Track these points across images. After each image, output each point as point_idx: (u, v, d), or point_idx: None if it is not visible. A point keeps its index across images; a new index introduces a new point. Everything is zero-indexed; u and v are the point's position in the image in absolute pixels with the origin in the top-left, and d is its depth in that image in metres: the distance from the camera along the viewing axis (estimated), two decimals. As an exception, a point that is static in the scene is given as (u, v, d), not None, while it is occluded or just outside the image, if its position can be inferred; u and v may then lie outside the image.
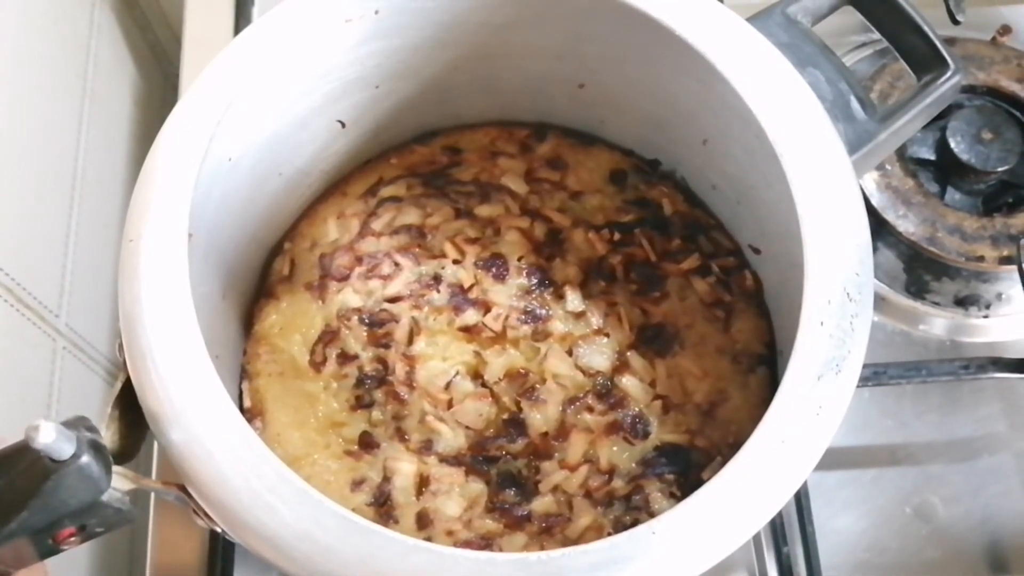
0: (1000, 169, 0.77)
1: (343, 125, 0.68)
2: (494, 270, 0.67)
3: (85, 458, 0.45)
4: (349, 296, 0.66)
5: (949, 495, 0.72)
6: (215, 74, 0.57)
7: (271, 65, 0.58)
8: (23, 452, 0.45)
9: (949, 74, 0.62)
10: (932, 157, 0.80)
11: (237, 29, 0.86)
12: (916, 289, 0.78)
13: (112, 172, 0.88)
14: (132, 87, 0.94)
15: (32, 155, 0.75)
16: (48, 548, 0.47)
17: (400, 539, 0.47)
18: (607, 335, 0.65)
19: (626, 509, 0.60)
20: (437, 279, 0.66)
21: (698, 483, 0.51)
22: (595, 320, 0.66)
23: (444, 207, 0.70)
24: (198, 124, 0.55)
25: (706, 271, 0.67)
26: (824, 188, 0.55)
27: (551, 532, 0.60)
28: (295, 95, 0.62)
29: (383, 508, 0.60)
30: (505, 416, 0.63)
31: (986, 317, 0.78)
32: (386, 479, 0.61)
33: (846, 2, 0.63)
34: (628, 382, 0.64)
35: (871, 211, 0.75)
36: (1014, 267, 0.74)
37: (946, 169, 0.79)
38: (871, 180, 0.78)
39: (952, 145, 0.77)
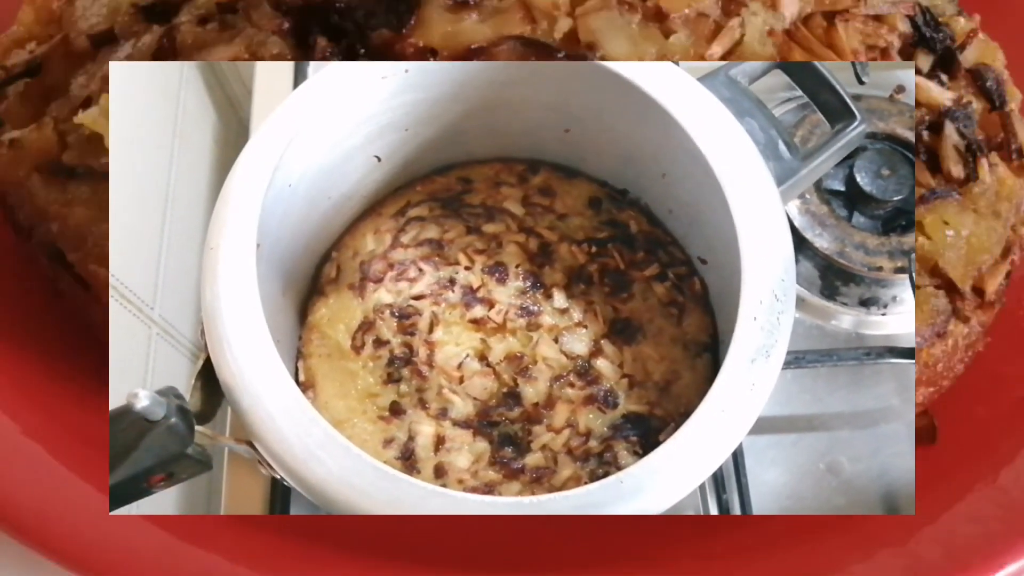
0: (896, 199, 0.77)
1: (379, 159, 0.68)
2: (497, 275, 0.67)
3: (174, 419, 0.46)
4: (383, 295, 0.66)
5: (854, 455, 0.72)
6: (278, 119, 0.57)
7: (322, 111, 0.58)
8: (125, 414, 0.45)
9: (856, 123, 0.62)
10: (842, 188, 0.80)
11: (296, 83, 0.86)
12: (829, 292, 0.78)
13: (196, 194, 0.88)
14: (212, 129, 0.94)
15: (134, 182, 0.75)
16: (142, 491, 0.47)
17: (422, 485, 0.47)
18: (585, 327, 0.65)
19: (599, 464, 0.60)
20: (452, 281, 0.66)
21: (656, 444, 0.51)
22: (576, 315, 0.65)
23: (458, 225, 0.69)
24: (265, 157, 0.56)
25: (664, 277, 0.67)
26: (757, 213, 0.55)
27: (540, 481, 0.60)
28: (341, 135, 0.62)
29: (408, 461, 0.60)
30: (505, 390, 0.63)
31: (884, 315, 0.78)
32: (411, 439, 0.61)
33: (776, 67, 0.63)
34: (602, 364, 0.64)
35: (794, 231, 0.75)
36: (906, 276, 0.74)
37: (853, 198, 0.79)
38: (794, 206, 0.78)
39: (858, 179, 0.77)
